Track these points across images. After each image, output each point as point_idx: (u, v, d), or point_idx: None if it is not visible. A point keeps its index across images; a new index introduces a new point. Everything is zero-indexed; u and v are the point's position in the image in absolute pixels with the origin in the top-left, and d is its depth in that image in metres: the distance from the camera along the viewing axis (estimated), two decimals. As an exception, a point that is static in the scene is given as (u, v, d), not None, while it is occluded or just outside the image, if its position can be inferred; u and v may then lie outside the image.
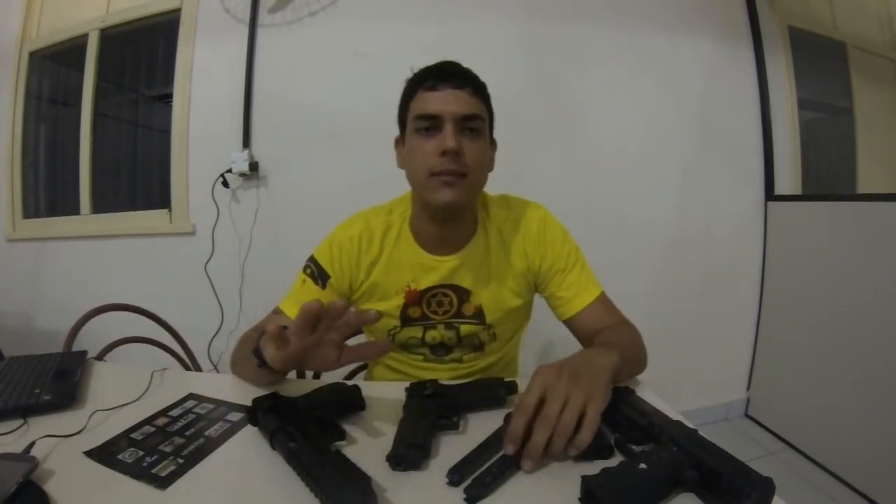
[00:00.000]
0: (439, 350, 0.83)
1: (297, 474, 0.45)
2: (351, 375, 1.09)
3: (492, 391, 0.63)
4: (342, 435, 0.53)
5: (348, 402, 0.61)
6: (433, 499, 0.44)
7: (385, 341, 0.57)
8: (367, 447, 0.53)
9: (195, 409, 0.63)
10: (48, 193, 2.17)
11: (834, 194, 1.80)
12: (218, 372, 1.69)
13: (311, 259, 0.81)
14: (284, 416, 0.52)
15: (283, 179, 1.74)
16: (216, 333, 1.78)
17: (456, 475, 0.46)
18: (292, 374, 0.76)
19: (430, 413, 0.56)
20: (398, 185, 0.81)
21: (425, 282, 0.80)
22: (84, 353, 0.81)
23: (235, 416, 0.60)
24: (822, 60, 1.88)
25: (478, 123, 0.71)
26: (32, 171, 2.13)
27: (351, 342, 0.60)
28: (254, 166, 1.70)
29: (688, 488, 0.43)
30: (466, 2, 1.67)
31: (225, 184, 1.74)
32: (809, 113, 1.91)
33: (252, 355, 0.62)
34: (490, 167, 0.78)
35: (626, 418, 0.52)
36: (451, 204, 0.70)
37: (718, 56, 1.80)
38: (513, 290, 0.82)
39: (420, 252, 0.79)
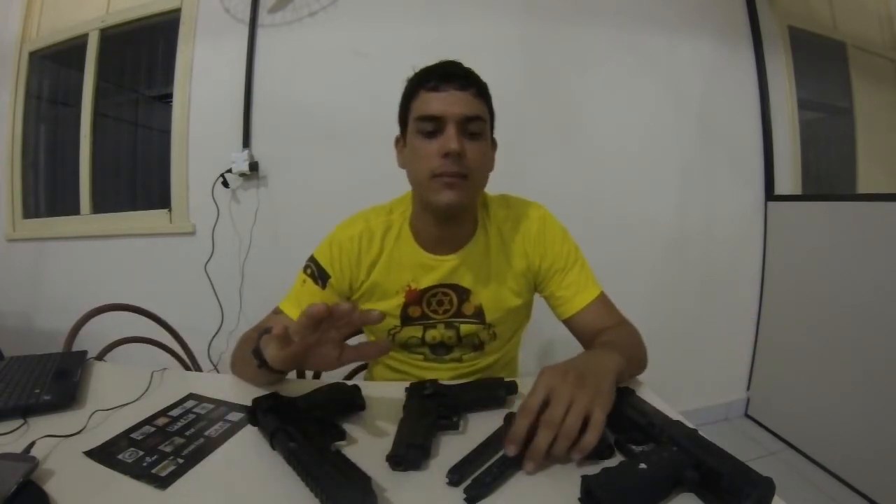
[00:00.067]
0: (439, 349, 0.83)
1: (297, 474, 0.45)
2: (351, 375, 1.09)
3: (492, 391, 0.63)
4: (342, 435, 0.53)
5: (348, 402, 0.61)
6: (433, 499, 0.44)
7: (385, 341, 0.57)
8: (367, 447, 0.53)
9: (195, 409, 0.63)
10: (48, 193, 2.17)
11: (834, 194, 1.80)
12: (218, 372, 1.69)
13: (312, 259, 0.82)
14: (284, 416, 0.52)
15: (283, 179, 1.74)
16: (216, 333, 1.78)
17: (456, 475, 0.46)
18: (292, 374, 0.76)
19: (430, 413, 0.56)
20: (398, 185, 0.81)
21: (425, 281, 0.80)
22: (84, 353, 0.81)
23: (235, 416, 0.60)
24: (822, 60, 1.88)
25: (480, 125, 0.70)
26: (32, 171, 2.13)
27: (351, 342, 0.60)
28: (254, 166, 1.70)
29: (688, 488, 0.43)
30: (466, 2, 1.67)
31: (225, 184, 1.74)
32: (809, 113, 1.91)
33: (252, 356, 0.62)
34: (490, 167, 0.78)
35: (627, 418, 0.52)
36: (453, 205, 0.70)
37: (718, 56, 1.80)
38: (513, 290, 0.82)
39: (420, 252, 0.79)
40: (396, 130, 0.78)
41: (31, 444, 0.51)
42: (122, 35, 1.95)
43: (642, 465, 0.42)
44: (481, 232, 0.81)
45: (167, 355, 1.11)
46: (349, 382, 0.66)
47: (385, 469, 0.48)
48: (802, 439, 1.68)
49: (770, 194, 1.85)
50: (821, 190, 1.94)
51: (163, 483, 0.47)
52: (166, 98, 1.85)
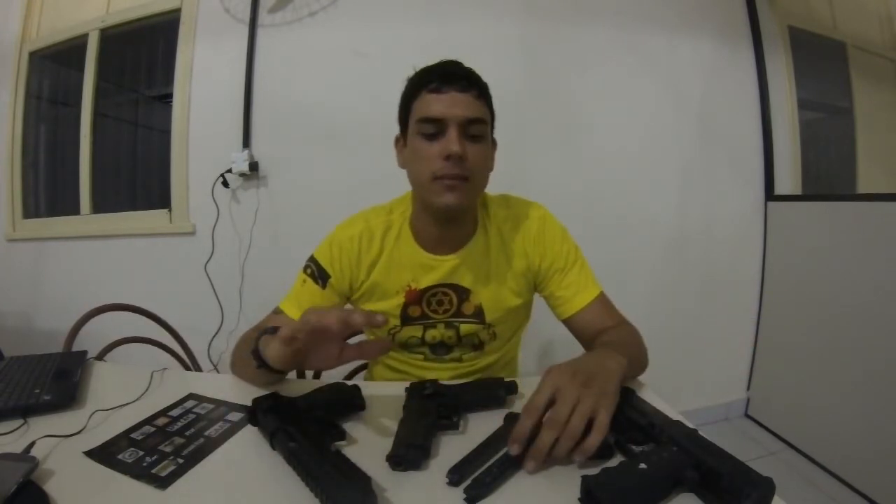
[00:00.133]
0: (439, 349, 0.83)
1: (297, 474, 0.45)
2: (351, 375, 1.09)
3: (492, 391, 0.63)
4: (342, 435, 0.53)
5: (348, 402, 0.61)
6: (433, 499, 0.45)
7: (386, 340, 0.57)
8: (367, 447, 0.53)
9: (195, 409, 0.63)
10: (48, 193, 2.17)
11: (834, 194, 1.80)
12: (218, 372, 1.69)
13: (312, 259, 0.82)
14: (284, 416, 0.52)
15: (283, 179, 1.74)
16: (216, 333, 1.78)
17: (456, 475, 0.46)
18: (292, 374, 0.76)
19: (430, 413, 0.56)
20: (398, 185, 0.81)
21: (425, 281, 0.80)
22: (84, 353, 0.81)
23: (235, 416, 0.60)
24: (822, 60, 1.88)
25: (481, 128, 0.70)
26: (32, 171, 2.13)
27: (351, 341, 0.60)
28: (254, 166, 1.70)
29: (688, 488, 0.43)
30: (466, 2, 1.67)
31: (225, 184, 1.74)
32: (809, 113, 1.91)
33: (251, 356, 0.62)
34: (491, 167, 0.78)
35: (627, 418, 0.52)
36: (454, 207, 0.71)
37: (718, 56, 1.80)
38: (512, 290, 0.82)
39: (420, 251, 0.79)
40: (396, 130, 0.78)
41: (31, 444, 0.51)
42: (122, 35, 1.95)
43: (642, 465, 0.42)
44: (481, 232, 0.81)
45: (167, 355, 1.11)
46: (349, 382, 0.66)
47: (385, 469, 0.48)
48: (802, 439, 1.68)
49: (770, 194, 1.85)
50: (821, 190, 1.94)
51: (163, 483, 0.47)
52: (166, 98, 1.85)
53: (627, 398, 0.55)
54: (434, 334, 0.82)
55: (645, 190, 1.80)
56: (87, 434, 0.56)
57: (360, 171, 1.65)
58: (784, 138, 1.85)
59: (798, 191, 1.87)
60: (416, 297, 0.80)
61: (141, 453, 0.52)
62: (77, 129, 1.97)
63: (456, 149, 0.66)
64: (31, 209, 2.12)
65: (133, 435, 0.56)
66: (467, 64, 0.72)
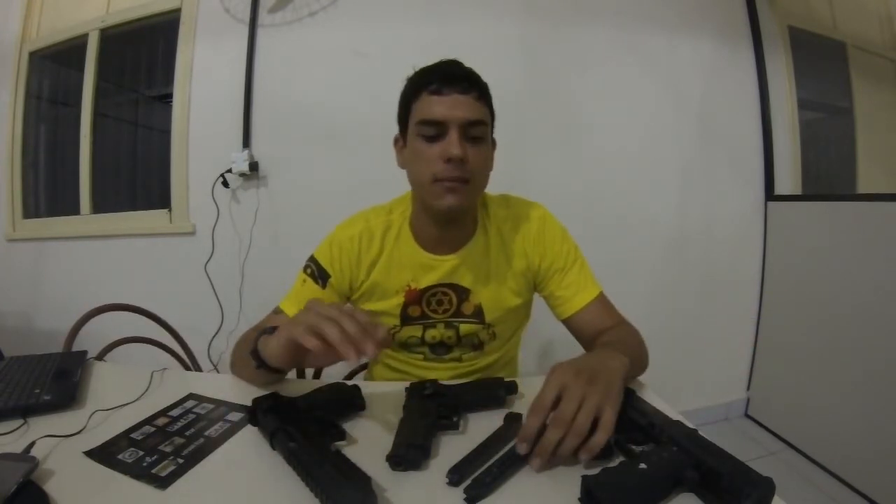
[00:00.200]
0: (439, 349, 0.83)
1: (297, 474, 0.45)
2: (351, 375, 1.09)
3: (492, 391, 0.63)
4: (342, 435, 0.53)
5: (348, 402, 0.61)
6: (433, 499, 0.44)
7: (384, 329, 0.57)
8: (367, 447, 0.53)
9: (195, 409, 0.63)
10: (48, 193, 2.17)
11: (834, 194, 1.80)
12: (218, 372, 1.69)
13: (312, 259, 0.82)
14: (284, 416, 0.52)
15: (283, 179, 1.74)
16: (216, 333, 1.78)
17: (456, 475, 0.46)
18: (292, 374, 0.76)
19: (430, 413, 0.56)
20: (398, 185, 0.81)
21: (425, 281, 0.80)
22: (84, 353, 0.81)
23: (235, 416, 0.60)
24: (822, 60, 1.88)
25: (482, 130, 0.70)
26: (32, 171, 2.13)
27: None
28: (254, 166, 1.70)
29: (688, 488, 0.43)
30: (466, 2, 1.67)
31: (225, 184, 1.74)
32: (809, 113, 1.91)
33: (250, 356, 0.62)
34: (490, 167, 0.78)
35: (627, 418, 0.52)
36: (455, 209, 0.71)
37: (718, 56, 1.80)
38: (512, 290, 0.82)
39: (420, 251, 0.79)
40: (396, 130, 0.78)
41: (31, 444, 0.51)
42: (122, 35, 1.95)
43: (642, 465, 0.42)
44: (481, 232, 0.81)
45: (167, 355, 1.11)
46: (349, 382, 0.66)
47: (385, 469, 0.48)
48: (802, 439, 1.68)
49: (770, 194, 1.85)
50: (821, 190, 1.94)
51: (163, 483, 0.47)
52: (166, 98, 1.85)
53: (627, 398, 0.55)
54: (434, 334, 0.82)
55: (645, 190, 1.80)
56: (87, 434, 0.56)
57: (360, 171, 1.65)
58: (784, 138, 1.85)
59: (798, 191, 1.87)
60: (416, 297, 0.80)
61: (141, 453, 0.52)
62: (77, 129, 1.97)
63: (457, 152, 0.66)
64: (31, 209, 2.12)
65: (133, 435, 0.56)
66: (467, 64, 0.72)
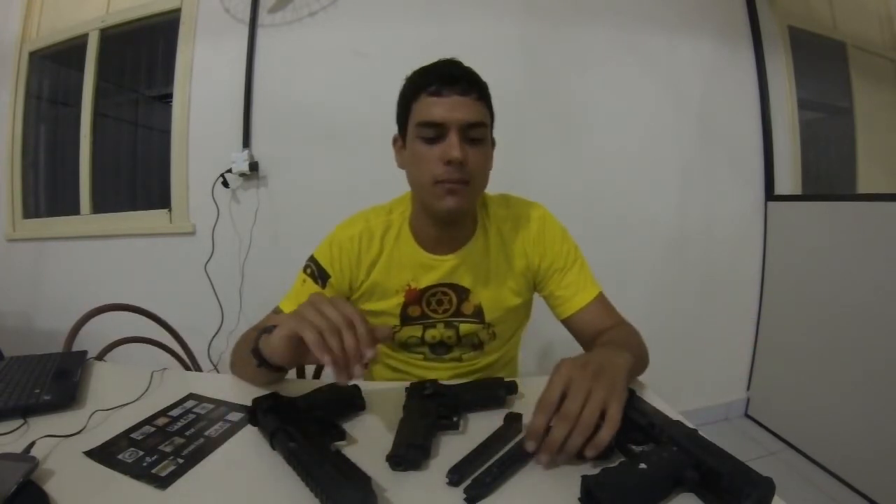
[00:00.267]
0: (439, 349, 0.84)
1: (297, 474, 0.45)
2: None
3: (492, 391, 0.63)
4: (342, 435, 0.53)
5: (348, 402, 0.61)
6: (433, 499, 0.44)
7: (387, 327, 0.57)
8: (367, 447, 0.53)
9: (195, 409, 0.63)
10: (48, 193, 2.17)
11: (834, 194, 1.80)
12: (218, 372, 1.69)
13: (312, 259, 0.82)
14: (284, 416, 0.52)
15: (283, 179, 1.74)
16: (216, 333, 1.78)
17: (456, 475, 0.46)
18: (292, 374, 0.76)
19: (430, 413, 0.56)
20: (398, 185, 0.81)
21: (425, 281, 0.80)
22: (84, 353, 0.81)
23: (235, 416, 0.60)
24: (822, 60, 1.88)
25: (482, 131, 0.70)
26: (32, 171, 2.13)
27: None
28: (254, 166, 1.70)
29: (688, 488, 0.43)
30: (466, 2, 1.67)
31: (225, 184, 1.74)
32: (809, 113, 1.91)
33: (251, 355, 0.62)
34: (490, 167, 0.78)
35: (627, 418, 0.52)
36: (455, 212, 0.71)
37: (718, 56, 1.80)
38: (512, 289, 0.82)
39: (420, 251, 0.79)
40: (396, 130, 0.78)
41: (31, 444, 0.51)
42: (122, 35, 1.95)
43: (642, 465, 0.42)
44: (481, 232, 0.81)
45: (167, 355, 1.11)
46: (356, 378, 0.65)
47: (385, 469, 0.48)
48: (802, 439, 1.68)
49: (770, 194, 1.85)
50: (821, 190, 1.94)
51: (163, 483, 0.47)
52: (166, 98, 1.85)
53: (627, 398, 0.55)
54: (434, 334, 0.82)
55: (645, 190, 1.80)
56: (87, 434, 0.56)
57: (360, 171, 1.65)
58: (784, 138, 1.85)
59: (798, 191, 1.87)
60: (416, 297, 0.80)
61: (141, 453, 0.52)
62: (77, 129, 1.97)
63: (457, 154, 0.66)
64: (31, 209, 2.12)
65: (133, 435, 0.56)
66: (467, 64, 0.72)
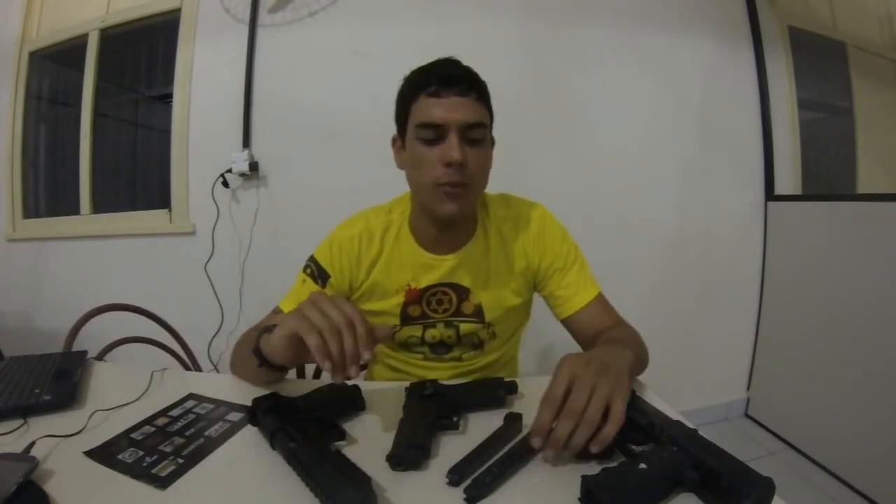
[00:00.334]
0: (439, 349, 0.84)
1: (297, 474, 0.45)
2: (351, 375, 1.09)
3: (492, 391, 0.63)
4: (342, 435, 0.53)
5: (348, 402, 0.61)
6: (433, 499, 0.45)
7: (387, 327, 0.57)
8: (367, 447, 0.53)
9: (195, 409, 0.63)
10: (48, 193, 2.17)
11: (834, 194, 1.80)
12: (218, 372, 1.69)
13: (312, 259, 0.82)
14: (284, 416, 0.52)
15: (283, 179, 1.74)
16: (216, 333, 1.78)
17: (456, 475, 0.46)
18: (292, 374, 0.76)
19: (430, 413, 0.56)
20: (398, 185, 0.81)
21: (425, 280, 0.80)
22: (84, 353, 0.81)
23: (235, 416, 0.60)
24: (822, 60, 1.88)
25: (481, 132, 0.70)
26: (32, 171, 2.13)
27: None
28: (254, 166, 1.70)
29: (688, 488, 0.43)
30: (466, 2, 1.67)
31: (225, 184, 1.74)
32: (809, 113, 1.91)
33: (252, 355, 0.62)
34: (489, 166, 0.77)
35: (627, 418, 0.52)
36: (456, 216, 0.71)
37: (718, 56, 1.80)
38: (512, 289, 0.82)
39: (420, 251, 0.79)
40: (395, 130, 0.78)
41: (31, 444, 0.51)
42: (122, 35, 1.95)
43: (642, 465, 0.42)
44: (481, 231, 0.81)
45: (167, 355, 1.11)
46: (349, 382, 0.66)
47: (385, 469, 0.48)
48: (802, 439, 1.68)
49: (770, 194, 1.85)
50: (821, 190, 1.94)
51: (163, 483, 0.47)
52: (166, 98, 1.85)
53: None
54: (434, 334, 0.82)
55: (645, 190, 1.80)
56: (87, 434, 0.56)
57: (360, 171, 1.65)
58: (784, 138, 1.85)
59: (798, 191, 1.87)
60: (416, 297, 0.80)
61: (141, 453, 0.52)
62: (77, 129, 1.97)
63: (457, 156, 0.66)
64: (31, 209, 2.12)
65: (133, 435, 0.56)
66: (467, 64, 0.72)
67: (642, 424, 0.50)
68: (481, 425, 0.56)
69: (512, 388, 0.63)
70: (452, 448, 0.51)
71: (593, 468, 0.43)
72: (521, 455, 0.49)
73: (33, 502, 0.43)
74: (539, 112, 1.71)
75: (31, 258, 2.03)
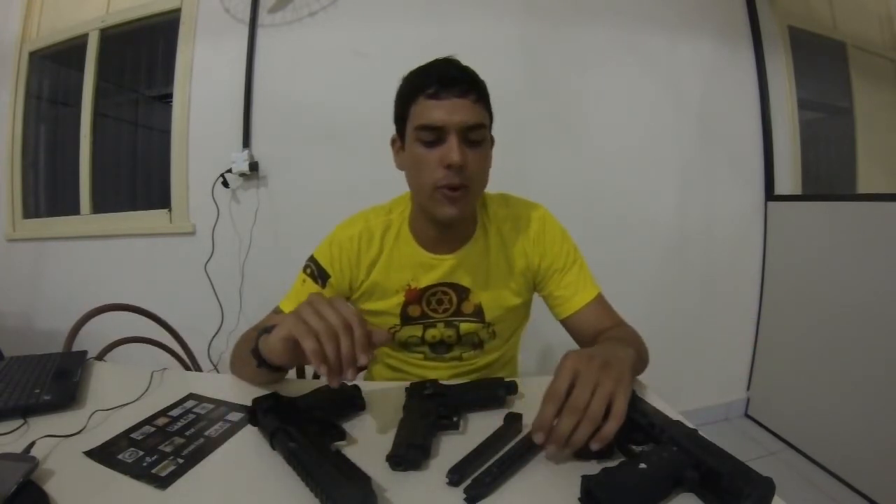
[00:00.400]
0: (439, 348, 0.84)
1: (297, 474, 0.45)
2: (351, 375, 1.09)
3: (492, 391, 0.62)
4: (342, 435, 0.53)
5: (348, 402, 0.61)
6: (433, 499, 0.45)
7: (386, 331, 0.57)
8: (367, 447, 0.53)
9: (195, 409, 0.63)
10: (48, 193, 2.17)
11: (834, 194, 1.80)
12: (218, 372, 1.69)
13: (312, 259, 0.82)
14: (284, 416, 0.52)
15: (283, 179, 1.74)
16: (216, 333, 1.78)
17: (456, 475, 0.46)
18: (292, 374, 0.76)
19: (430, 413, 0.56)
20: (398, 185, 0.81)
21: (425, 280, 0.80)
22: (84, 353, 0.81)
23: (235, 416, 0.60)
24: (822, 60, 1.88)
25: (481, 133, 0.70)
26: (32, 171, 2.13)
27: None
28: (254, 166, 1.70)
29: (688, 488, 0.43)
30: (466, 2, 1.67)
31: (225, 184, 1.74)
32: (809, 113, 1.91)
33: (251, 355, 0.62)
34: (489, 165, 0.77)
35: (627, 418, 0.52)
36: (456, 219, 0.71)
37: (718, 56, 1.80)
38: (512, 289, 0.82)
39: (420, 251, 0.80)
40: (395, 130, 0.78)
41: (31, 444, 0.51)
42: (122, 35, 1.95)
43: (642, 465, 0.42)
44: (481, 231, 0.81)
45: (167, 355, 1.11)
46: (349, 382, 0.66)
47: (385, 469, 0.48)
48: (802, 439, 1.68)
49: (770, 194, 1.85)
50: (821, 190, 1.94)
51: (163, 483, 0.47)
52: (166, 98, 1.85)
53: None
54: (434, 333, 0.82)
55: (645, 190, 1.80)
56: (87, 434, 0.56)
57: (360, 171, 1.65)
58: (784, 138, 1.85)
59: (798, 191, 1.87)
60: (416, 297, 0.80)
61: (141, 453, 0.52)
62: (77, 129, 1.97)
63: (457, 159, 0.66)
64: (31, 209, 2.12)
65: (133, 435, 0.56)
66: (467, 63, 0.71)
67: (642, 424, 0.50)
68: (481, 425, 0.56)
69: (512, 388, 0.63)
70: (452, 448, 0.51)
71: (593, 468, 0.43)
72: (522, 455, 0.49)
73: (33, 502, 0.43)
74: (539, 112, 1.71)
75: (31, 258, 2.03)
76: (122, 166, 2.10)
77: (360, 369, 0.52)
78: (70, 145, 2.01)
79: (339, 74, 1.69)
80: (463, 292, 0.81)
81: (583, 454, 0.48)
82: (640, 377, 0.69)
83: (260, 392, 0.59)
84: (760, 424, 1.87)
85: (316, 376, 0.99)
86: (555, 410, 0.47)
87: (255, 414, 0.54)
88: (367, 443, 0.54)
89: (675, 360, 1.83)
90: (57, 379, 0.68)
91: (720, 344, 1.93)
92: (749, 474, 0.40)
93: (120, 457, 0.51)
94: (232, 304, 1.79)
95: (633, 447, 0.49)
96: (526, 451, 0.49)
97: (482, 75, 0.72)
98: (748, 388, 1.95)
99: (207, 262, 1.77)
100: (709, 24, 1.79)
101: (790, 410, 1.75)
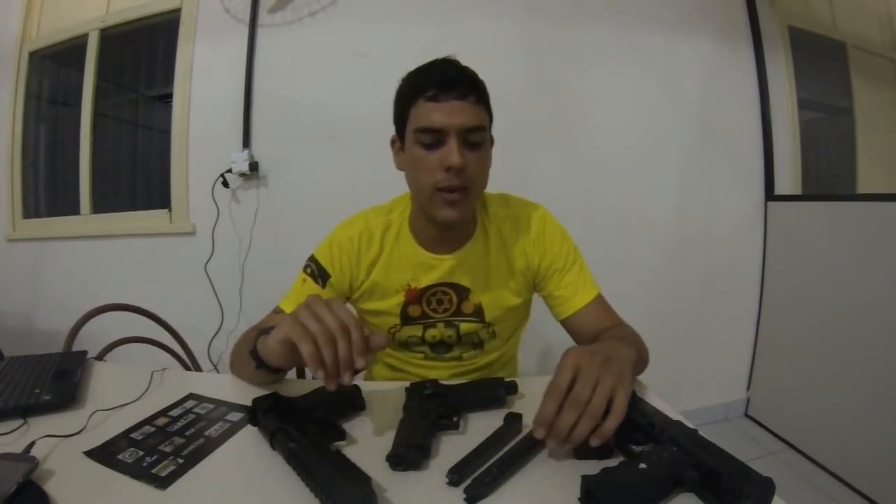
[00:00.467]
0: (439, 348, 0.84)
1: (297, 474, 0.45)
2: (351, 375, 1.09)
3: (492, 391, 0.63)
4: (342, 435, 0.53)
5: (348, 402, 0.61)
6: (433, 499, 0.45)
7: (384, 335, 0.57)
8: (367, 447, 0.53)
9: (195, 409, 0.63)
10: (48, 193, 2.17)
11: (834, 194, 1.80)
12: (218, 372, 1.69)
13: (312, 258, 0.82)
14: (284, 416, 0.52)
15: (283, 179, 1.74)
16: (216, 333, 1.78)
17: (456, 475, 0.46)
18: (292, 374, 0.76)
19: (430, 413, 0.56)
20: (398, 185, 0.81)
21: (425, 280, 0.80)
22: (84, 353, 0.81)
23: (235, 416, 0.60)
24: (822, 60, 1.88)
25: (481, 135, 0.70)
26: (32, 171, 2.13)
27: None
28: (254, 166, 1.70)
29: (688, 488, 0.43)
30: (466, 2, 1.67)
31: (225, 184, 1.74)
32: (809, 113, 1.91)
33: (250, 356, 0.62)
34: (489, 166, 0.77)
35: (627, 418, 0.52)
36: (455, 221, 0.71)
37: (718, 56, 1.80)
38: (512, 289, 0.82)
39: (420, 251, 0.80)
40: (395, 131, 0.78)
41: (31, 444, 0.51)
42: (122, 35, 1.95)
43: (642, 465, 0.42)
44: (481, 231, 0.81)
45: (167, 355, 1.11)
46: (346, 384, 0.66)
47: (385, 469, 0.48)
48: (802, 439, 1.68)
49: (770, 194, 1.85)
50: (821, 190, 1.94)
51: (163, 483, 0.47)
52: (166, 98, 1.85)
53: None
54: (434, 333, 0.82)
55: (645, 190, 1.80)
56: (87, 434, 0.56)
57: (360, 171, 1.65)
58: (784, 138, 1.85)
59: (798, 191, 1.87)
60: (416, 297, 0.80)
61: (141, 453, 0.52)
62: (77, 129, 1.97)
63: (457, 161, 0.66)
64: (31, 209, 2.12)
65: (133, 435, 0.56)
66: (466, 63, 0.71)
67: (642, 424, 0.50)
68: (481, 425, 0.56)
69: (512, 388, 0.63)
70: (452, 448, 0.51)
71: (593, 468, 0.43)
72: (522, 455, 0.49)
73: (33, 502, 0.43)
74: (539, 112, 1.71)
75: (31, 258, 2.03)
76: (122, 166, 2.10)
77: (357, 372, 0.52)
78: (70, 145, 2.01)
79: (338, 74, 1.69)
80: (463, 292, 0.81)
81: (583, 452, 0.48)
82: (640, 377, 0.69)
83: (260, 392, 0.59)
84: (760, 424, 1.87)
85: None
86: (556, 405, 0.47)
87: (255, 414, 0.54)
88: (367, 443, 0.54)
89: (675, 360, 1.83)
90: (57, 379, 0.68)
91: (720, 344, 1.93)
92: (749, 474, 0.40)
93: (120, 457, 0.51)
94: (232, 304, 1.79)
95: (633, 447, 0.49)
96: (526, 451, 0.49)
97: (482, 75, 0.72)
98: (748, 388, 1.95)
99: (207, 262, 1.77)
100: (709, 24, 1.79)
101: (790, 410, 1.75)
